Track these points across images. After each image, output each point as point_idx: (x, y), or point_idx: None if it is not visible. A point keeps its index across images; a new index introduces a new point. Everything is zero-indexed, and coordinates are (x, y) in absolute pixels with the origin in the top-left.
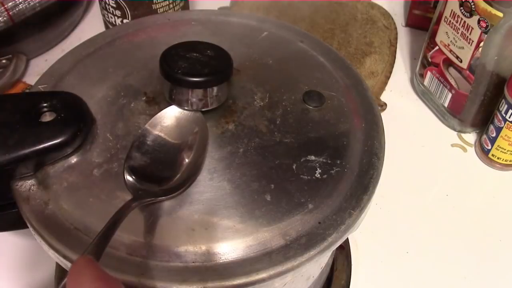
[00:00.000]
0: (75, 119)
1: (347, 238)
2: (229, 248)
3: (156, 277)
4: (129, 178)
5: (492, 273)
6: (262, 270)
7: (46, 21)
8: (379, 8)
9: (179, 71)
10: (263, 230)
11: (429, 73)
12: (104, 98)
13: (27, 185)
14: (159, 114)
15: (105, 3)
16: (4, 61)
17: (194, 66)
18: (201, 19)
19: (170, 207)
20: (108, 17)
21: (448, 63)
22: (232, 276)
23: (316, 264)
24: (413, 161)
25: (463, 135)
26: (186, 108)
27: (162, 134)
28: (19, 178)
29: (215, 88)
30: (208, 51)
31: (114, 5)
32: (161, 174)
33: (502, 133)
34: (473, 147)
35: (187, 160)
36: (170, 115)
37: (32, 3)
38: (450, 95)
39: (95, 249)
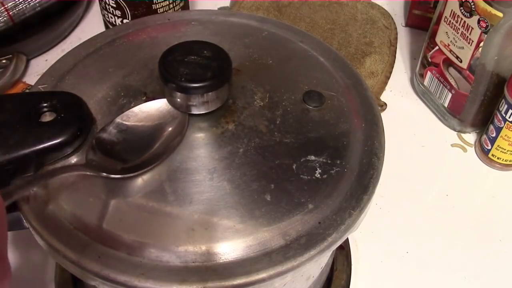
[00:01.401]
0: (75, 119)
1: (347, 238)
2: (229, 248)
3: (156, 277)
4: (92, 148)
5: (492, 273)
6: (262, 270)
7: (46, 21)
8: (379, 8)
9: (178, 77)
10: (263, 230)
11: (429, 73)
12: (104, 98)
13: None
14: (145, 104)
15: (105, 3)
16: (4, 61)
17: (193, 70)
18: (201, 19)
19: (169, 205)
20: (108, 17)
21: (448, 63)
22: (232, 276)
23: (316, 264)
24: (413, 161)
25: (463, 135)
26: (186, 111)
27: (141, 122)
28: (19, 178)
29: (215, 91)
30: (207, 52)
31: (114, 5)
32: (124, 156)
33: (502, 133)
34: (473, 147)
35: (152, 149)
36: (154, 108)
37: (32, 3)
38: (450, 95)
39: (20, 185)
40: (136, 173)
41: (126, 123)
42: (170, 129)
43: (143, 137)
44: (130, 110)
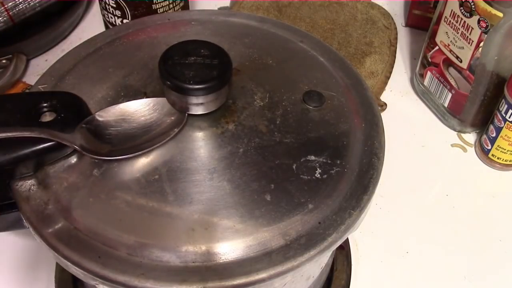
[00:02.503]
0: (75, 119)
1: (347, 238)
2: (229, 248)
3: (156, 277)
4: (81, 128)
5: (492, 273)
6: (262, 270)
7: (46, 21)
8: (379, 8)
9: (178, 79)
10: (263, 230)
11: (429, 73)
12: (104, 98)
13: (27, 185)
14: (143, 99)
15: (105, 3)
16: (4, 61)
17: (193, 71)
18: (201, 19)
19: (169, 205)
20: (108, 17)
21: (448, 63)
22: (232, 276)
23: (316, 264)
24: (413, 161)
25: (463, 135)
26: (187, 111)
27: (136, 114)
28: (19, 178)
29: (214, 92)
30: (207, 52)
31: (114, 5)
32: (114, 141)
33: (502, 133)
34: (473, 147)
35: (143, 138)
36: (152, 103)
37: (32, 3)
38: (450, 95)
39: None
40: (123, 157)
41: (120, 112)
42: (166, 122)
43: (136, 127)
44: (128, 102)
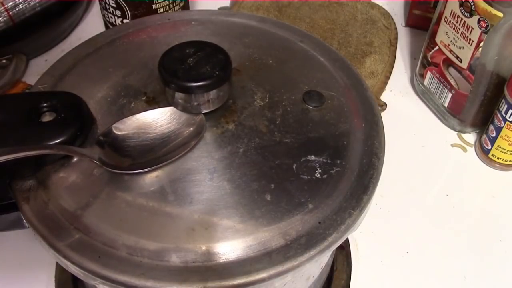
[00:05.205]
0: (75, 119)
1: (347, 238)
2: (229, 248)
3: (156, 277)
4: (99, 142)
5: (492, 273)
6: (262, 270)
7: (46, 21)
8: (379, 8)
9: (178, 77)
10: (263, 230)
11: (429, 73)
12: (104, 98)
13: (27, 185)
14: (159, 109)
15: (105, 3)
16: (4, 61)
17: (192, 70)
18: (201, 19)
19: (170, 205)
20: (108, 17)
21: (448, 63)
22: (232, 276)
23: (316, 264)
24: (413, 161)
25: (463, 135)
26: (188, 111)
27: (155, 124)
28: (19, 178)
29: (215, 90)
30: (206, 52)
31: (114, 5)
32: (133, 154)
33: (502, 133)
34: (473, 147)
35: (163, 150)
36: (168, 112)
37: (32, 3)
38: (450, 95)
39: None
40: (145, 170)
41: (138, 122)
42: (185, 133)
43: (155, 138)
44: (145, 112)
